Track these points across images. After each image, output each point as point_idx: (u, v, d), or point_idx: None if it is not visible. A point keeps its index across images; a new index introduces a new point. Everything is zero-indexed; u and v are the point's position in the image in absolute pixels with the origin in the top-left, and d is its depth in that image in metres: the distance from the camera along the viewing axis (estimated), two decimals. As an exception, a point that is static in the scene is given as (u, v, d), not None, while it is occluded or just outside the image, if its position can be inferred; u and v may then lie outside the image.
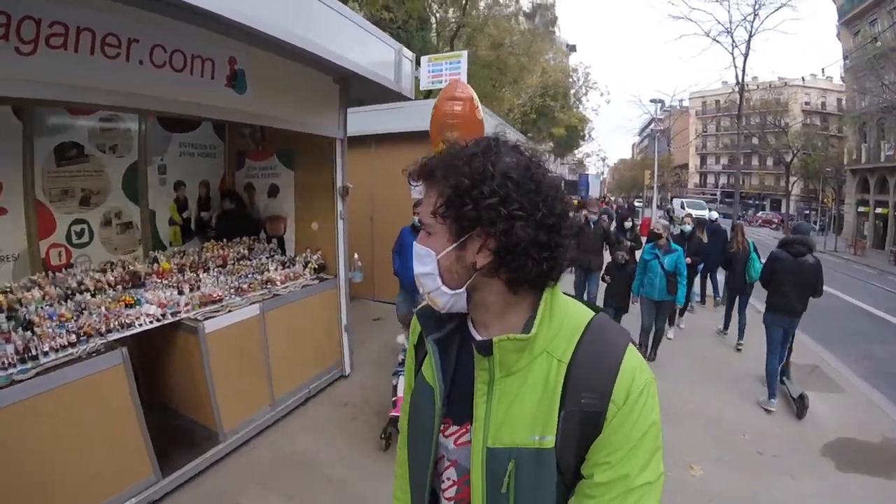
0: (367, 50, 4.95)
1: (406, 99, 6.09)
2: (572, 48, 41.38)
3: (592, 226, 8.15)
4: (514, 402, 1.02)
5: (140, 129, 5.14)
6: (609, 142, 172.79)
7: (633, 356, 1.02)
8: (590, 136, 37.93)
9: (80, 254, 4.69)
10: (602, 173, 61.33)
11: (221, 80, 3.97)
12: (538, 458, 0.98)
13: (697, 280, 9.71)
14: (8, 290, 3.54)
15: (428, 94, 9.99)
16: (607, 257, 7.78)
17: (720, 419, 5.19)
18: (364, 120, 7.91)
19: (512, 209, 0.96)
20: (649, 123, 48.52)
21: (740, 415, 5.33)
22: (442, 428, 1.14)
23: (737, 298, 8.05)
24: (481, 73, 22.35)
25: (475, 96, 4.82)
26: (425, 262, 1.08)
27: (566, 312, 1.07)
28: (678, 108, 45.28)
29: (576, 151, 44.66)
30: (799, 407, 5.41)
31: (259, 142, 6.32)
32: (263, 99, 4.39)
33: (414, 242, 1.12)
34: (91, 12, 2.96)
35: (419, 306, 1.31)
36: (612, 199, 38.18)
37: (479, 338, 1.10)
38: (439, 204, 1.02)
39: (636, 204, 35.31)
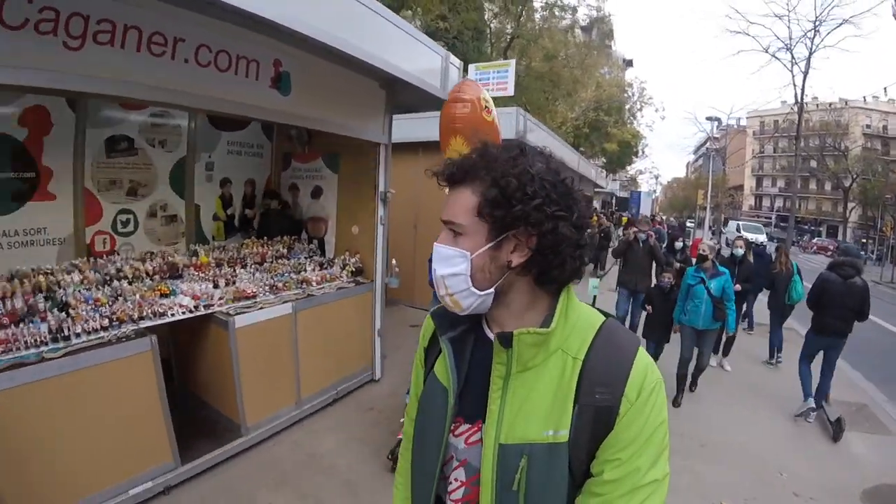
0: (414, 56, 4.98)
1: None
2: (629, 63, 40.94)
3: (641, 244, 7.76)
4: (528, 398, 1.04)
5: (189, 125, 5.32)
6: (663, 159, 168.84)
7: (643, 356, 1.06)
8: (643, 152, 37.18)
9: (123, 242, 4.85)
10: (654, 191, 60.06)
11: (266, 81, 4.04)
12: (551, 453, 1.00)
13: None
14: (49, 272, 3.70)
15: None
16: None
17: (758, 454, 4.94)
18: (412, 127, 7.96)
19: (554, 210, 1.01)
20: (705, 142, 47.28)
21: (780, 451, 5.07)
22: (452, 427, 1.14)
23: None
24: (534, 84, 22.33)
25: (483, 96, 4.55)
26: (455, 262, 1.07)
27: (579, 314, 1.11)
28: (735, 127, 44.03)
29: (628, 168, 43.94)
30: (835, 430, 5.27)
31: (305, 144, 6.42)
32: (307, 101, 4.46)
33: (436, 244, 1.11)
34: (138, 10, 3.07)
35: (434, 307, 1.30)
36: (664, 217, 37.30)
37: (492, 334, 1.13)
38: (482, 203, 1.03)
39: (688, 224, 34.45)
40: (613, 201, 38.96)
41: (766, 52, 21.41)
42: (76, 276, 3.71)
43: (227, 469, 3.97)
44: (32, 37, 2.63)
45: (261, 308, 4.38)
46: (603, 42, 29.58)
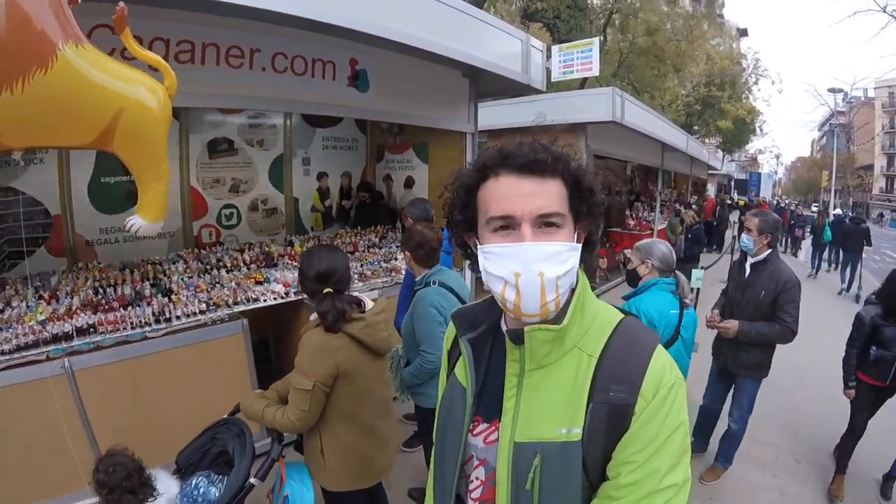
0: (493, 43, 4.94)
1: (537, 91, 5.97)
2: (743, 32, 38.16)
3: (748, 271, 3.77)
4: (543, 396, 1.01)
5: (285, 125, 5.68)
6: (786, 137, 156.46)
7: (662, 353, 1.01)
8: (761, 130, 33.92)
9: (228, 234, 5.34)
10: (775, 172, 55.35)
11: (343, 80, 4.26)
12: (564, 452, 0.97)
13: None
14: (157, 262, 4.17)
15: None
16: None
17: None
18: (506, 112, 7.99)
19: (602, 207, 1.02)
20: (829, 117, 42.55)
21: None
22: (471, 427, 1.13)
23: None
24: (638, 61, 21.43)
25: None
26: (565, 258, 0.97)
27: (596, 310, 1.07)
28: (862, 98, 38.87)
29: (748, 147, 40.69)
30: None
31: (396, 135, 6.65)
32: (387, 96, 4.62)
33: (530, 242, 0.95)
34: (214, 29, 3.37)
35: (458, 308, 1.30)
36: (788, 201, 33.95)
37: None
38: (571, 195, 1.01)
39: (812, 210, 29.54)
40: (732, 184, 36.58)
41: (884, 11, 18.58)
42: (181, 266, 4.16)
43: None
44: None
45: (347, 294, 4.57)
46: (713, 11, 27.45)
